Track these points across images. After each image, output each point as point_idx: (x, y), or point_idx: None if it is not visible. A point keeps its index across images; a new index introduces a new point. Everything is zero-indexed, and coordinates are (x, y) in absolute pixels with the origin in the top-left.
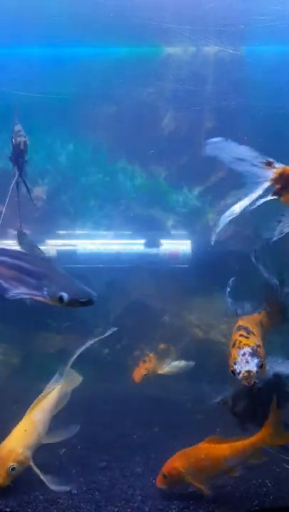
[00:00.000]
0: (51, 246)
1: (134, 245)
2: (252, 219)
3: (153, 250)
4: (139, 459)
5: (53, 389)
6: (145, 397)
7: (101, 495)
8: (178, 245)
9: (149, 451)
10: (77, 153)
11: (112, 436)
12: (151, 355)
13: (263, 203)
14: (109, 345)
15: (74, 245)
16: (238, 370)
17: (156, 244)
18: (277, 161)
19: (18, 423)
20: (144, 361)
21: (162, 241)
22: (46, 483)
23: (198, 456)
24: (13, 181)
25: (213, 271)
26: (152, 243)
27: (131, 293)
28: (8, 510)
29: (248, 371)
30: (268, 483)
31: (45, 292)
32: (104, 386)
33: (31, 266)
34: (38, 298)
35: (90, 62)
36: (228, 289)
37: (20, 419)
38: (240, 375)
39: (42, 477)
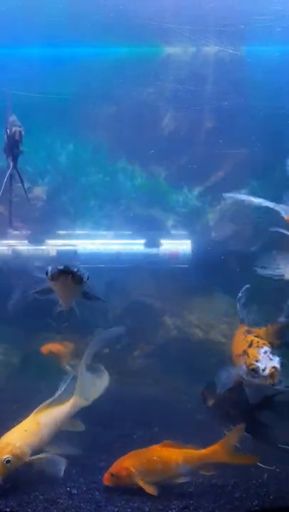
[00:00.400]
0: (51, 246)
1: (134, 245)
2: (252, 219)
3: (153, 250)
4: None
5: (68, 401)
6: (145, 397)
7: (101, 495)
8: (178, 245)
9: None
10: (77, 153)
11: (112, 436)
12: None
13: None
14: (109, 345)
15: (74, 245)
16: (262, 367)
17: (156, 244)
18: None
19: (18, 422)
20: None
21: (162, 241)
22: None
23: (150, 458)
24: (8, 173)
25: (213, 271)
26: (152, 243)
27: (131, 293)
28: (8, 510)
29: (274, 367)
30: (268, 483)
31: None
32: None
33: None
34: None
35: (90, 62)
36: (240, 295)
37: (20, 418)
38: (266, 372)
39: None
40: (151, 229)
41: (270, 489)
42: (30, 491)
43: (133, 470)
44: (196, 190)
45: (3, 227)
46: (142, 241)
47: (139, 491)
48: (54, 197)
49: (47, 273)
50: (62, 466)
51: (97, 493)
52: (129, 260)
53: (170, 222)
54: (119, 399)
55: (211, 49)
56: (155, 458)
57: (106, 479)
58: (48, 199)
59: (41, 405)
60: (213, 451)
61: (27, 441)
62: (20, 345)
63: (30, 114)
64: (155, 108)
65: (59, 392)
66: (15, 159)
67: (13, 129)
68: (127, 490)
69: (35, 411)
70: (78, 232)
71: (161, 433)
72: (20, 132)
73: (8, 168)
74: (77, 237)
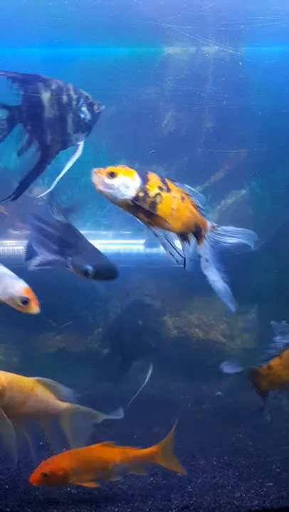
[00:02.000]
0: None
1: (134, 245)
2: (252, 219)
3: (153, 250)
4: None
5: (63, 403)
6: (145, 397)
7: (101, 495)
8: (178, 245)
9: None
10: None
11: (112, 436)
12: None
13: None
14: (109, 345)
15: None
16: None
17: (156, 245)
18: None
19: None
20: None
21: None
22: None
23: (86, 457)
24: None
25: None
26: (152, 243)
27: (131, 293)
28: (8, 510)
29: None
30: (268, 483)
31: (69, 262)
32: (104, 386)
33: (57, 232)
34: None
35: (90, 62)
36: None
37: None
38: None
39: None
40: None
41: (270, 489)
42: (30, 491)
43: (68, 470)
44: (196, 190)
45: (3, 227)
46: (142, 241)
47: (139, 491)
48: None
49: (86, 272)
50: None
51: (97, 493)
52: (129, 260)
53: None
54: (119, 399)
55: (211, 49)
56: (91, 457)
57: (35, 480)
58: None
59: (48, 383)
60: (150, 453)
61: (13, 384)
62: (20, 345)
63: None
64: (155, 108)
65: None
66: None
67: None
68: (127, 490)
69: (38, 379)
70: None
71: (161, 433)
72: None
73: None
74: None
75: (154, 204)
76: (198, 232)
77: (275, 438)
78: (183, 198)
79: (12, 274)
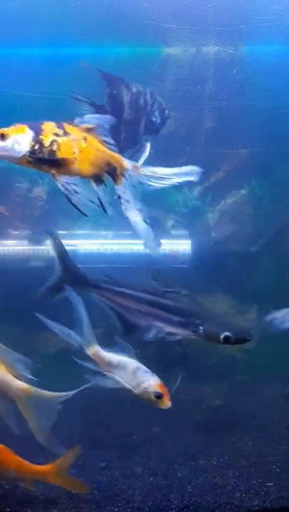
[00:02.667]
0: (51, 246)
1: (134, 245)
2: (252, 219)
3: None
4: (139, 459)
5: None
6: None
7: (101, 495)
8: (178, 245)
9: (149, 451)
10: None
11: (112, 436)
12: None
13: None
14: (109, 345)
15: (74, 245)
16: None
17: (157, 245)
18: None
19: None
20: None
21: (162, 241)
22: None
23: None
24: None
25: (213, 271)
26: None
27: None
28: (8, 510)
29: None
30: (268, 483)
31: (200, 331)
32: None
33: (174, 303)
34: (188, 336)
35: (90, 62)
36: None
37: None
38: None
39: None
40: (152, 229)
41: (270, 489)
42: (30, 491)
43: None
44: (196, 190)
45: (3, 227)
46: (142, 241)
47: (139, 491)
48: (54, 197)
49: (228, 338)
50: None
51: (97, 493)
52: (129, 260)
53: (170, 222)
54: (119, 399)
55: (211, 49)
56: None
57: None
58: (48, 199)
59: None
60: (43, 471)
61: None
62: (20, 345)
63: (30, 114)
64: None
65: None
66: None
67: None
68: (127, 490)
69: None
70: (78, 232)
71: (161, 433)
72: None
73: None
74: (77, 237)
75: (52, 152)
76: (112, 171)
77: (275, 438)
78: (85, 138)
79: (145, 368)
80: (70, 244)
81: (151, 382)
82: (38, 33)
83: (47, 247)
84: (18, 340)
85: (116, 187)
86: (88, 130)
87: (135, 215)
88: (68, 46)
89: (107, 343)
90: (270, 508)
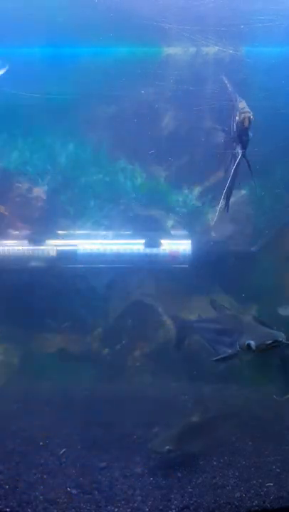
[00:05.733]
0: (51, 246)
1: (134, 245)
2: (252, 219)
3: (153, 250)
4: (139, 459)
5: None
6: (145, 397)
7: (101, 495)
8: (178, 245)
9: (149, 451)
10: (77, 153)
11: (112, 436)
12: None
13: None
14: (109, 345)
15: (74, 245)
16: None
17: (156, 244)
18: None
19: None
20: None
21: (162, 241)
22: None
23: None
24: (235, 161)
25: (213, 271)
26: (152, 243)
27: (131, 293)
28: (8, 510)
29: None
30: (268, 483)
31: (237, 346)
32: (104, 386)
33: (224, 326)
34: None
35: (90, 62)
36: None
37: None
38: None
39: None
40: (151, 229)
41: (270, 489)
42: (30, 491)
43: None
44: (196, 190)
45: (3, 227)
46: (142, 241)
47: (139, 491)
48: (54, 197)
49: (249, 346)
50: None
51: (97, 493)
52: (129, 260)
53: (170, 222)
54: (119, 399)
55: (211, 49)
56: None
57: None
58: (48, 199)
59: None
60: None
61: None
62: (20, 345)
63: (30, 114)
64: (155, 108)
65: None
66: (244, 147)
67: (242, 115)
68: (127, 490)
69: None
70: (78, 232)
71: (161, 433)
72: (249, 118)
73: (236, 156)
74: (77, 237)
75: None
76: None
77: (275, 438)
78: None
79: None
80: (70, 244)
81: None
82: (38, 33)
83: (47, 247)
84: (18, 340)
85: None
86: None
87: None
88: (68, 46)
89: (107, 343)
90: (270, 508)
